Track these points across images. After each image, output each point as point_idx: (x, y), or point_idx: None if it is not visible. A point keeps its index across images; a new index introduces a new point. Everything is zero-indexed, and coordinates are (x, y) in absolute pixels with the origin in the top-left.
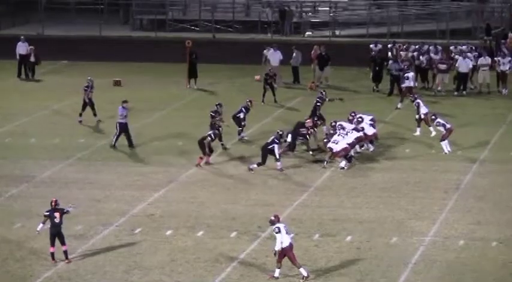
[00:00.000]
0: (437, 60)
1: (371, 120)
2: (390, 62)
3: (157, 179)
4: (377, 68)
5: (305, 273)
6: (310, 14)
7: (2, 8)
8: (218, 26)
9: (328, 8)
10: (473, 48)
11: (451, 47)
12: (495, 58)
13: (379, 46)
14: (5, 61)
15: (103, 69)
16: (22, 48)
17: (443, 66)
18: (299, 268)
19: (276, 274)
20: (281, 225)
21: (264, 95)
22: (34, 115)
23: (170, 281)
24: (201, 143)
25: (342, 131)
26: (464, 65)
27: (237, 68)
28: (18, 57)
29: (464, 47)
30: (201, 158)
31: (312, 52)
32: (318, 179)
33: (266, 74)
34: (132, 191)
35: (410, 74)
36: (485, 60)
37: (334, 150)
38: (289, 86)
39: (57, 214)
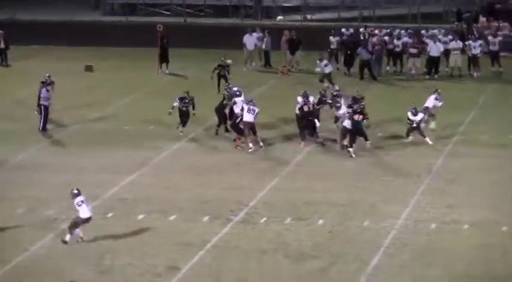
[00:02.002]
0: (409, 44)
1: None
2: (359, 48)
3: (129, 163)
4: (348, 52)
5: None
6: None
7: None
8: (189, 10)
9: None
10: (445, 32)
11: (423, 31)
12: (466, 42)
13: (351, 30)
14: None
15: (74, 54)
16: None
17: (414, 50)
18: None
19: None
20: (83, 198)
21: (218, 85)
22: (4, 100)
23: (142, 264)
24: (236, 125)
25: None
26: (435, 49)
27: (208, 52)
28: None
29: (435, 31)
30: (239, 139)
31: (283, 37)
32: (290, 163)
33: (218, 64)
34: (104, 175)
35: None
36: (457, 44)
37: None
38: (260, 70)
39: None
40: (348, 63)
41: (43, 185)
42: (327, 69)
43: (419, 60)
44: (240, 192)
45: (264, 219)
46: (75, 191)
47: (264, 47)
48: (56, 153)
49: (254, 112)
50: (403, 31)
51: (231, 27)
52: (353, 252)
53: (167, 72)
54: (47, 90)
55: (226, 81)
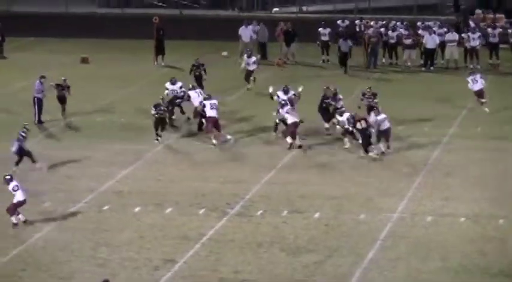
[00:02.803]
0: (404, 35)
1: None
2: (340, 39)
3: (125, 156)
4: None
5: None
6: None
7: None
8: (185, 2)
9: None
10: (440, 24)
11: (418, 23)
12: (463, 34)
13: (347, 22)
14: None
15: (70, 46)
16: None
17: (408, 41)
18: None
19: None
20: (17, 182)
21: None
22: (0, 92)
23: (138, 257)
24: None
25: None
26: (431, 41)
27: (204, 44)
28: None
29: (431, 23)
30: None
31: (278, 28)
32: (285, 157)
33: (192, 64)
34: (100, 168)
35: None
36: (453, 35)
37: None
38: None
39: None
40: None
41: (39, 178)
42: (252, 67)
43: (414, 52)
44: (236, 185)
45: (260, 212)
46: (8, 177)
47: (260, 39)
48: (52, 146)
49: (216, 107)
50: (398, 23)
51: (227, 19)
52: (349, 245)
53: (163, 64)
54: (41, 83)
55: (201, 81)
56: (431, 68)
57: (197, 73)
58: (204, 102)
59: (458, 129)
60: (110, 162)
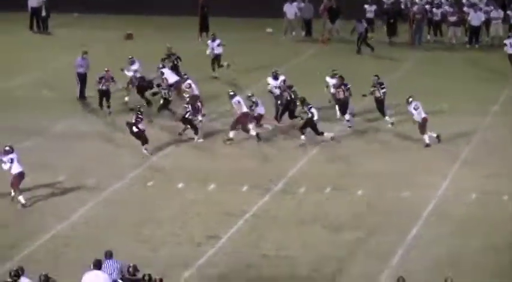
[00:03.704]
0: (449, 13)
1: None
2: (356, 21)
3: (166, 133)
4: (391, 21)
5: None
6: None
7: None
8: None
9: None
10: (486, 1)
11: (464, 0)
12: (508, 11)
13: None
14: (18, 14)
15: (115, 22)
16: (33, 0)
17: (453, 19)
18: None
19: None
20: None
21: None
22: (44, 68)
23: (182, 233)
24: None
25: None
26: (476, 18)
27: (248, 21)
28: (29, 9)
29: (476, 0)
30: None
31: (322, 6)
32: (329, 135)
33: (164, 57)
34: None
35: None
36: (498, 13)
37: None
38: (300, 39)
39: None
40: (391, 32)
41: (82, 154)
42: (218, 50)
43: (459, 29)
44: (279, 162)
45: (303, 189)
46: (7, 148)
47: (304, 16)
48: (94, 122)
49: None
50: (443, 0)
51: None
52: (392, 223)
53: (207, 41)
54: (83, 58)
55: (178, 70)
56: (476, 45)
57: (171, 63)
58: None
59: (501, 107)
60: (152, 138)
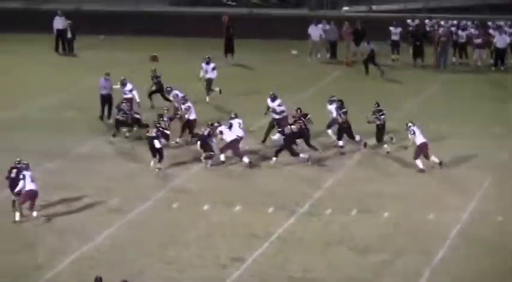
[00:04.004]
0: (474, 35)
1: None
2: (364, 43)
3: (193, 154)
4: (417, 43)
5: None
6: None
7: None
8: (255, 1)
9: None
10: (511, 23)
11: (489, 23)
12: None
13: (416, 21)
14: (44, 35)
15: (140, 44)
16: (59, 22)
17: (478, 41)
18: None
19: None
20: (26, 173)
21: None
22: (70, 89)
23: (207, 255)
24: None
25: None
26: (501, 40)
27: (273, 42)
28: (55, 31)
29: (501, 23)
30: None
31: (343, 29)
32: (354, 156)
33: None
34: (169, 166)
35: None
36: None
37: None
38: (325, 61)
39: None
40: (418, 54)
41: (106, 175)
42: (213, 74)
43: (484, 52)
44: (304, 183)
45: (329, 211)
46: (23, 165)
47: (329, 38)
48: (119, 143)
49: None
50: (469, 22)
51: (296, 18)
52: (418, 244)
53: (232, 62)
54: (106, 80)
55: (163, 92)
56: (502, 67)
57: (156, 80)
58: (231, 121)
59: None
60: (178, 159)
